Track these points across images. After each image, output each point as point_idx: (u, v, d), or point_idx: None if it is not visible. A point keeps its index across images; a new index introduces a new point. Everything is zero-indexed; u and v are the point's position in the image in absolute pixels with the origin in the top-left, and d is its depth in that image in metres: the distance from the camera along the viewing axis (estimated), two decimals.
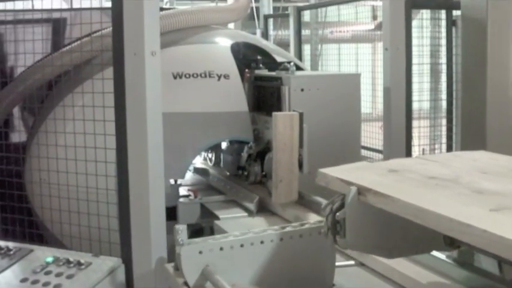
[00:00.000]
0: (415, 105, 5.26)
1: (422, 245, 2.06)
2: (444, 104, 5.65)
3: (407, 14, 4.64)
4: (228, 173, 4.33)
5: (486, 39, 3.70)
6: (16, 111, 4.27)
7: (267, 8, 9.17)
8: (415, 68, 5.08)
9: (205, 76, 4.02)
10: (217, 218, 3.59)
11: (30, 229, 3.64)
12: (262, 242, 2.25)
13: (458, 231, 1.48)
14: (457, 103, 5.32)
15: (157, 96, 2.86)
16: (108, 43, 3.06)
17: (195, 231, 3.81)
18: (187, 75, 3.98)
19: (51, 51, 3.96)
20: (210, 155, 4.69)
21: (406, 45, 4.63)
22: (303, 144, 3.38)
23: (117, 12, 2.82)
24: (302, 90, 3.84)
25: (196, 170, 4.67)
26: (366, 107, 6.44)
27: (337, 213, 1.96)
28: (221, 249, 2.20)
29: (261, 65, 4.30)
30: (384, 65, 4.74)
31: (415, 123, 5.20)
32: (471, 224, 1.44)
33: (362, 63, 7.69)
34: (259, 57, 4.37)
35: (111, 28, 2.93)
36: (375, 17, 8.81)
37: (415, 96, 5.13)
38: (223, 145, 4.37)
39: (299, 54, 7.23)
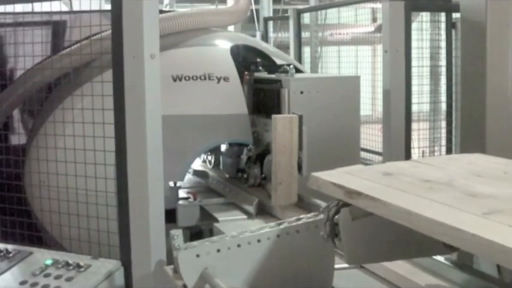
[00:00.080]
0: (415, 108, 5.26)
1: (422, 250, 2.06)
2: (444, 106, 5.65)
3: (407, 17, 4.65)
4: (227, 176, 4.33)
5: (485, 41, 3.71)
6: (16, 113, 4.27)
7: (266, 10, 9.18)
8: (414, 71, 5.09)
9: (205, 78, 4.02)
10: (216, 220, 3.59)
11: (30, 231, 3.63)
12: (259, 241, 2.24)
13: (449, 235, 1.48)
14: (456, 105, 5.33)
15: (156, 99, 2.86)
16: (107, 46, 3.05)
17: (195, 234, 3.80)
18: (187, 78, 3.98)
19: (50, 54, 3.96)
20: (209, 158, 4.69)
21: (406, 48, 4.63)
22: (302, 146, 3.38)
23: (116, 15, 2.82)
24: (301, 92, 3.84)
25: (196, 173, 4.67)
26: (365, 109, 6.45)
27: (336, 217, 1.96)
28: (218, 251, 2.20)
29: (260, 68, 4.30)
30: (383, 67, 4.75)
31: (414, 125, 5.20)
32: (461, 228, 1.44)
33: (362, 65, 7.70)
34: (258, 60, 4.37)
35: (110, 31, 2.93)
36: (374, 19, 8.83)
37: (414, 99, 5.14)
38: (223, 147, 4.37)
39: (299, 57, 7.23)
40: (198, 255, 2.18)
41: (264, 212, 3.59)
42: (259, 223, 3.42)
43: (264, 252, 2.24)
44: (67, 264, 2.84)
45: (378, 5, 7.83)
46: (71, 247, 3.45)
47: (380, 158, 5.52)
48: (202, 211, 3.83)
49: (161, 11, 4.52)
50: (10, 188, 3.69)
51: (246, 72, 4.26)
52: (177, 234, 2.29)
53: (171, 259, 2.42)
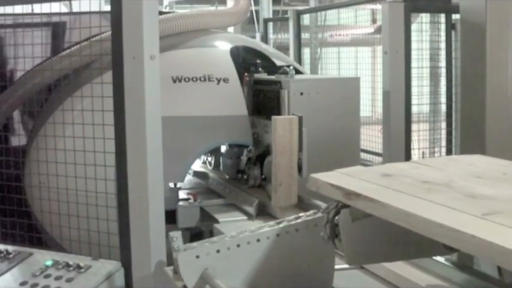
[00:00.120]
0: (415, 109, 5.27)
1: (422, 250, 2.05)
2: (444, 107, 5.65)
3: (407, 18, 4.65)
4: (227, 177, 4.33)
5: (485, 42, 3.70)
6: (16, 115, 4.27)
7: (266, 11, 9.18)
8: (414, 72, 5.09)
9: (205, 80, 4.02)
10: (216, 221, 3.59)
11: (30, 232, 3.63)
12: (258, 240, 2.24)
13: (448, 237, 1.48)
14: (456, 106, 5.33)
15: (156, 100, 2.86)
16: (107, 47, 3.06)
17: (195, 235, 3.81)
18: (187, 79, 3.98)
19: (50, 55, 3.96)
20: (209, 159, 4.69)
21: (406, 49, 4.64)
22: (302, 147, 3.38)
23: (116, 16, 2.82)
24: (301, 94, 3.84)
25: (196, 174, 4.67)
26: (365, 111, 6.45)
27: (336, 218, 1.96)
28: (218, 251, 2.20)
29: (260, 69, 4.30)
30: (383, 68, 4.75)
31: (414, 126, 5.21)
32: (460, 229, 1.44)
33: (362, 66, 7.70)
34: (258, 61, 4.37)
35: (110, 32, 2.93)
36: (374, 21, 8.83)
37: (414, 100, 5.14)
38: (223, 149, 4.37)
39: (298, 58, 7.23)
40: (197, 256, 2.18)
41: (264, 213, 3.59)
42: (259, 224, 3.42)
43: (264, 251, 2.24)
44: (67, 265, 2.85)
45: (378, 6, 7.84)
46: (71, 248, 3.45)
47: (380, 159, 5.52)
48: (203, 212, 3.83)
49: (161, 12, 4.52)
50: (10, 189, 3.69)
51: (245, 74, 4.26)
52: (176, 236, 2.29)
53: (171, 260, 2.42)
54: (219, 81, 4.06)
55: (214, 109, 4.01)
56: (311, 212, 2.38)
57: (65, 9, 5.15)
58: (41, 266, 2.87)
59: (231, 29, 6.23)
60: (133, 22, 2.80)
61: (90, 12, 3.62)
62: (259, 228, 2.30)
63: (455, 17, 5.27)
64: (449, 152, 5.50)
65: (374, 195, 1.77)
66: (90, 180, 3.26)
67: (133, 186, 2.87)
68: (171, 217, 3.62)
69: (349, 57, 7.84)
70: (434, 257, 2.28)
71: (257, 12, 9.30)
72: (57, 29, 4.15)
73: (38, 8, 3.76)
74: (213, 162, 4.62)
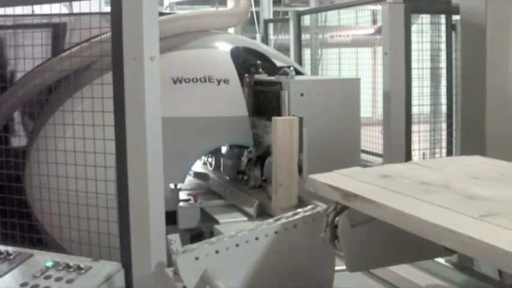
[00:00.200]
0: (415, 110, 5.26)
1: (422, 253, 2.05)
2: (444, 108, 5.65)
3: (407, 19, 4.65)
4: (228, 178, 4.33)
5: (485, 43, 3.70)
6: (16, 116, 4.27)
7: (267, 12, 9.18)
8: (415, 73, 5.09)
9: (205, 81, 4.02)
10: (217, 222, 3.59)
11: (30, 233, 3.64)
12: (257, 239, 2.23)
13: (445, 238, 1.47)
14: (457, 107, 5.33)
15: (156, 101, 2.86)
16: (107, 48, 3.06)
17: (195, 236, 3.81)
18: (187, 80, 3.98)
19: (50, 56, 3.97)
20: (210, 160, 4.69)
21: (406, 50, 4.63)
22: (302, 148, 3.38)
23: (116, 17, 2.83)
24: (302, 94, 3.84)
25: (196, 175, 4.67)
26: (366, 111, 6.45)
27: (336, 219, 1.96)
28: (217, 252, 2.19)
29: (260, 70, 4.30)
30: (383, 69, 4.75)
31: (415, 127, 5.21)
32: (457, 230, 1.43)
33: (362, 67, 7.71)
34: (258, 62, 4.37)
35: (110, 33, 2.93)
36: (375, 22, 8.83)
37: (415, 101, 5.14)
38: (223, 149, 4.37)
39: (299, 59, 7.24)
40: (197, 258, 2.18)
41: (264, 213, 3.59)
42: None
43: (263, 249, 2.23)
44: (67, 266, 2.85)
45: (378, 7, 7.84)
46: (72, 249, 3.46)
47: (381, 160, 5.52)
48: (203, 213, 3.83)
49: (161, 13, 4.53)
50: (10, 190, 3.69)
51: (246, 75, 4.26)
52: (174, 239, 2.29)
53: (171, 261, 2.42)
54: (219, 82, 4.06)
55: (214, 110, 4.01)
56: (309, 207, 2.36)
57: (65, 10, 5.15)
58: (41, 267, 2.86)
59: (231, 30, 6.23)
60: (134, 23, 2.80)
61: (90, 13, 3.62)
62: (257, 226, 2.29)
63: (456, 17, 5.27)
64: (449, 152, 5.50)
65: (371, 196, 1.77)
66: (90, 181, 3.26)
67: (134, 187, 2.87)
68: (171, 218, 3.62)
69: (350, 58, 7.85)
70: (434, 258, 2.28)
71: (257, 13, 9.30)
72: (57, 30, 4.16)
73: (38, 9, 3.77)
74: (213, 163, 4.62)
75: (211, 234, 3.57)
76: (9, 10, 3.92)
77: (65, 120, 3.63)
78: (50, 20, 4.13)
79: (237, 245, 2.21)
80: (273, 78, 4.09)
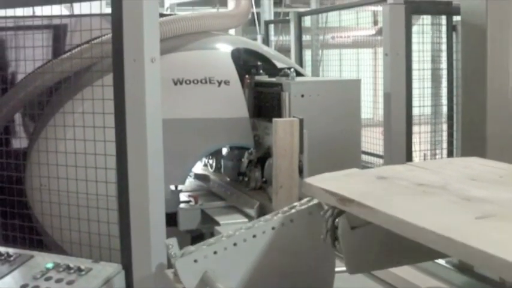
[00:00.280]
0: (416, 111, 5.26)
1: (424, 254, 2.05)
2: (445, 109, 5.65)
3: (407, 20, 4.65)
4: (228, 179, 4.34)
5: (486, 44, 3.70)
6: (17, 117, 4.28)
7: (267, 13, 9.17)
8: (415, 74, 5.09)
9: (206, 82, 4.03)
10: (217, 223, 3.59)
11: (31, 235, 3.64)
12: (254, 236, 2.21)
13: (440, 244, 1.47)
14: (457, 108, 5.33)
15: (157, 103, 2.86)
16: (108, 49, 3.06)
17: (196, 237, 3.81)
18: (188, 81, 3.99)
19: (51, 58, 3.97)
20: (210, 161, 4.70)
21: (406, 51, 4.64)
22: (303, 150, 3.39)
23: (116, 18, 2.82)
24: (302, 96, 3.84)
25: (197, 176, 4.67)
26: (367, 112, 6.45)
27: (336, 220, 1.96)
28: (215, 253, 2.19)
29: (261, 71, 4.31)
30: (384, 70, 4.75)
31: (416, 128, 5.21)
32: (451, 237, 1.43)
33: (363, 68, 7.70)
34: (259, 63, 4.38)
35: (110, 34, 2.93)
36: (375, 22, 8.82)
37: (416, 102, 5.14)
38: (224, 151, 4.37)
39: (300, 60, 7.24)
40: (195, 261, 2.17)
41: (265, 215, 3.58)
42: None
43: (261, 247, 2.21)
44: (68, 267, 2.84)
45: (379, 8, 7.84)
46: (72, 250, 3.46)
47: (381, 161, 5.52)
48: (203, 214, 3.84)
49: (162, 15, 4.53)
50: (11, 192, 3.69)
51: (246, 76, 4.27)
52: (172, 243, 2.27)
53: (171, 262, 2.42)
54: (220, 83, 4.06)
55: (215, 111, 4.01)
56: (305, 200, 2.35)
57: (65, 12, 5.15)
58: (41, 268, 2.86)
59: (232, 31, 6.23)
60: (134, 24, 2.80)
61: (91, 15, 3.63)
62: (254, 223, 2.28)
63: (457, 18, 5.27)
64: (450, 154, 5.50)
65: (367, 200, 1.75)
66: (91, 182, 3.26)
67: (134, 189, 2.87)
68: (172, 219, 3.62)
69: (351, 59, 7.84)
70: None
71: (258, 14, 9.30)
72: (58, 32, 4.16)
73: (39, 10, 3.77)
74: (214, 164, 4.62)
75: (212, 235, 3.56)
76: (9, 11, 3.93)
77: (66, 121, 3.64)
78: (50, 21, 4.13)
79: (234, 244, 2.20)
80: (273, 79, 4.09)
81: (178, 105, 3.89)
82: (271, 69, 4.40)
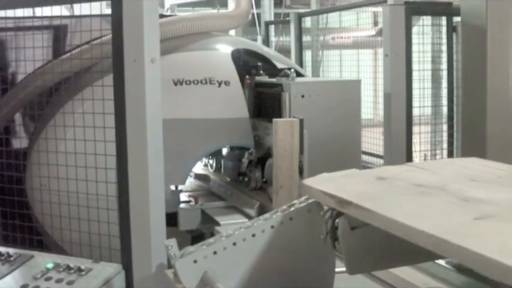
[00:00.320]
0: (416, 111, 5.27)
1: (424, 255, 2.04)
2: (445, 109, 5.65)
3: (408, 21, 4.66)
4: (228, 179, 4.34)
5: (486, 45, 3.71)
6: (17, 117, 4.28)
7: (268, 14, 9.17)
8: (416, 74, 5.10)
9: (206, 82, 4.03)
10: (218, 224, 3.60)
11: (31, 235, 3.64)
12: (253, 235, 2.20)
13: (438, 246, 1.46)
14: (458, 109, 5.33)
15: (157, 103, 2.86)
16: (108, 50, 3.06)
17: (196, 237, 3.81)
18: (188, 82, 3.99)
19: (51, 58, 3.97)
20: (210, 161, 4.70)
21: (406, 52, 4.64)
22: (303, 150, 3.38)
23: (116, 19, 2.83)
24: (302, 96, 3.85)
25: (197, 176, 4.67)
26: (367, 113, 6.45)
27: (336, 221, 1.96)
28: (215, 253, 2.18)
29: (261, 72, 4.31)
30: (384, 71, 4.76)
31: (416, 128, 5.21)
32: (448, 239, 1.42)
33: (363, 69, 7.70)
34: (259, 64, 4.38)
35: (111, 35, 2.93)
36: (376, 23, 8.81)
37: (416, 102, 5.15)
38: (224, 151, 4.38)
39: (300, 61, 7.24)
40: (195, 261, 2.17)
41: None
42: None
43: (261, 246, 2.20)
44: (68, 267, 2.85)
45: (380, 9, 7.83)
46: (72, 251, 3.46)
47: (382, 162, 5.52)
48: (204, 215, 3.84)
49: (163, 15, 4.53)
50: (11, 192, 3.69)
51: (247, 76, 4.27)
52: (171, 244, 2.27)
53: (171, 263, 2.42)
54: (220, 84, 4.06)
55: (215, 112, 4.01)
56: (303, 197, 2.34)
57: (66, 12, 5.16)
58: (42, 268, 2.87)
59: (232, 32, 6.23)
60: (134, 25, 2.80)
61: (91, 16, 3.63)
62: (254, 222, 2.28)
63: (457, 19, 5.27)
64: (450, 154, 5.51)
65: (365, 202, 1.75)
66: (91, 182, 3.26)
67: (134, 189, 2.87)
68: (172, 220, 3.62)
69: (351, 59, 7.84)
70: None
71: (258, 15, 9.30)
72: (58, 32, 4.17)
73: (39, 11, 3.77)
74: (214, 164, 4.62)
75: (212, 235, 3.55)
76: (10, 12, 3.93)
77: (66, 122, 3.64)
78: (50, 22, 4.14)
79: (234, 244, 2.19)
80: (273, 80, 4.09)
81: (178, 105, 3.89)
82: (272, 69, 4.41)
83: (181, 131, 3.86)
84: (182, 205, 3.89)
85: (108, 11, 2.98)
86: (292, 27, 7.35)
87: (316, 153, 3.55)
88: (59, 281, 2.77)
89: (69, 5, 4.69)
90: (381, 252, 1.97)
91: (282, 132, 3.28)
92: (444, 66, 5.57)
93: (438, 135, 5.82)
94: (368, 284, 2.42)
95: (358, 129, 4.11)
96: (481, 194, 1.75)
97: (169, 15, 4.97)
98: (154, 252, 2.84)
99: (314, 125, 3.62)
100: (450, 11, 5.23)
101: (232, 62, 4.24)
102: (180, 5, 11.49)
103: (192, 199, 3.97)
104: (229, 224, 3.56)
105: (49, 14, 3.96)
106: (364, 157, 5.80)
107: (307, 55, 7.72)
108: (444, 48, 5.57)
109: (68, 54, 3.84)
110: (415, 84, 5.04)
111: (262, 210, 3.61)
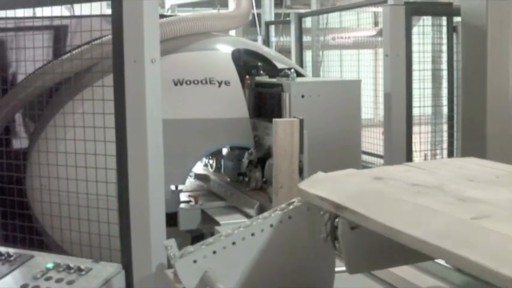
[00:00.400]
0: (417, 111, 5.27)
1: (423, 254, 2.04)
2: (445, 109, 5.65)
3: (408, 21, 4.66)
4: (228, 179, 4.34)
5: (486, 45, 3.71)
6: (17, 117, 4.28)
7: (268, 14, 9.18)
8: (416, 74, 5.10)
9: (206, 83, 4.03)
10: (218, 223, 3.60)
11: (31, 235, 3.64)
12: (253, 235, 2.20)
13: (430, 251, 1.46)
14: (458, 109, 5.33)
15: (157, 103, 2.86)
16: (108, 50, 3.06)
17: (196, 237, 3.81)
18: (188, 82, 3.99)
19: (52, 59, 3.97)
20: (210, 161, 4.70)
21: (407, 52, 4.64)
22: (303, 150, 3.39)
23: (117, 19, 2.83)
24: (302, 96, 3.85)
25: (197, 176, 4.67)
26: (367, 113, 6.45)
27: (336, 220, 1.96)
28: (214, 252, 2.19)
29: (261, 72, 4.31)
30: (384, 71, 4.76)
31: (416, 128, 5.21)
32: (441, 245, 1.42)
33: (364, 69, 7.70)
34: (259, 64, 4.38)
35: (111, 35, 2.93)
36: (376, 23, 8.81)
37: (416, 102, 5.15)
38: (224, 151, 4.38)
39: (300, 61, 7.24)
40: (195, 261, 2.17)
41: None
42: None
43: (260, 245, 2.19)
44: (68, 267, 2.85)
45: (380, 9, 7.84)
46: (72, 250, 3.46)
47: (382, 162, 5.52)
48: (204, 214, 3.84)
49: (163, 16, 4.54)
50: (11, 192, 3.69)
51: (247, 76, 4.27)
52: (170, 244, 2.27)
53: (171, 262, 2.42)
54: (220, 84, 4.07)
55: (215, 112, 4.02)
56: None
57: (66, 13, 5.16)
58: (42, 268, 2.87)
59: (232, 32, 6.24)
60: (134, 25, 2.80)
61: (91, 16, 3.64)
62: (253, 221, 2.28)
63: (457, 19, 5.28)
64: (450, 154, 5.51)
65: (360, 205, 1.75)
66: (91, 182, 3.26)
67: (134, 189, 2.87)
68: (172, 219, 3.63)
69: (351, 59, 7.84)
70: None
71: (259, 15, 9.30)
72: (58, 33, 4.17)
73: (39, 11, 3.78)
74: (214, 164, 4.63)
75: (212, 235, 3.56)
76: (10, 12, 3.93)
77: (66, 122, 3.64)
78: (51, 22, 4.14)
79: (233, 243, 2.19)
80: (274, 80, 4.10)
81: (178, 105, 3.89)
82: (272, 69, 4.41)
83: (182, 131, 3.86)
84: (182, 205, 3.89)
85: (108, 11, 2.98)
86: (293, 27, 7.35)
87: (316, 153, 3.55)
88: (59, 280, 2.77)
89: (69, 5, 4.69)
90: (380, 252, 1.97)
91: (282, 132, 3.28)
92: (444, 66, 5.57)
93: (438, 135, 5.83)
94: (368, 283, 2.42)
95: (358, 129, 4.11)
96: (478, 194, 1.74)
97: (170, 16, 4.97)
98: (154, 252, 2.84)
99: (314, 125, 3.62)
100: (450, 11, 5.23)
101: (233, 62, 4.25)
102: (180, 5, 11.49)
103: (192, 199, 3.97)
104: (229, 224, 3.56)
105: (49, 14, 3.96)
106: (364, 157, 5.80)
107: (308, 55, 7.72)
108: (444, 48, 5.57)
109: (68, 55, 3.85)
110: (415, 84, 5.04)
111: (262, 210, 3.61)
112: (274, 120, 3.35)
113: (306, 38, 7.62)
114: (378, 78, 6.98)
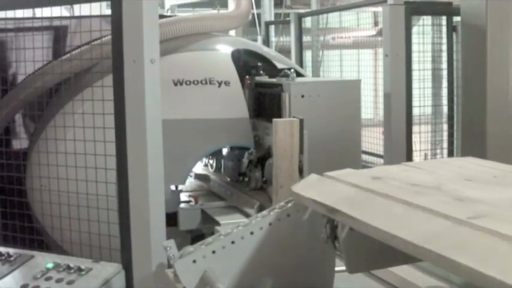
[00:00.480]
0: (417, 111, 5.26)
1: None
2: (445, 109, 5.65)
3: (407, 21, 4.66)
4: (228, 179, 4.34)
5: (486, 44, 3.71)
6: (17, 118, 4.28)
7: (268, 14, 9.18)
8: (416, 74, 5.09)
9: (206, 83, 4.03)
10: (218, 223, 3.60)
11: (31, 235, 3.64)
12: (252, 233, 2.19)
13: (420, 255, 1.46)
14: (458, 108, 5.33)
15: (156, 103, 2.86)
16: (107, 51, 3.06)
17: (196, 237, 3.81)
18: (188, 82, 3.99)
19: (51, 59, 3.98)
20: (210, 161, 4.71)
21: (406, 52, 4.64)
22: (303, 150, 3.39)
23: (116, 19, 2.83)
24: (302, 96, 3.85)
25: (197, 176, 4.68)
26: (367, 113, 6.45)
27: (335, 220, 1.96)
28: (213, 252, 2.19)
29: (261, 72, 4.31)
30: (384, 71, 4.75)
31: (416, 128, 5.20)
32: (431, 248, 1.41)
33: (363, 69, 7.70)
34: (259, 64, 4.38)
35: (110, 36, 2.93)
36: (376, 23, 8.82)
37: (416, 102, 5.14)
38: (224, 151, 4.38)
39: (300, 61, 7.24)
40: (194, 261, 2.17)
41: None
42: None
43: (259, 243, 2.19)
44: (68, 267, 2.85)
45: (380, 9, 7.83)
46: (72, 250, 3.46)
47: (382, 161, 5.52)
48: (204, 214, 3.84)
49: (163, 16, 4.54)
50: (11, 192, 3.69)
51: (247, 77, 4.27)
52: (170, 245, 2.27)
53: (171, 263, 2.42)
54: (220, 84, 4.07)
55: (215, 112, 4.02)
56: None
57: (66, 13, 5.16)
58: (42, 268, 2.87)
59: (232, 32, 6.24)
60: (134, 25, 2.80)
61: (91, 16, 3.64)
62: (251, 219, 2.28)
63: (457, 19, 5.27)
64: (450, 153, 5.50)
65: (352, 207, 1.74)
66: (91, 183, 3.26)
67: (134, 189, 2.87)
68: (172, 219, 3.63)
69: (351, 59, 7.84)
70: None
71: (259, 15, 9.30)
72: (58, 33, 4.17)
73: (39, 11, 3.78)
74: (214, 164, 4.63)
75: (212, 235, 3.57)
76: (10, 13, 3.94)
77: (66, 122, 3.64)
78: (51, 22, 4.14)
79: (232, 242, 2.19)
80: (273, 80, 4.10)
81: (178, 105, 3.90)
82: (272, 70, 4.41)
83: (182, 131, 3.87)
84: (182, 205, 3.89)
85: (108, 11, 2.98)
86: (293, 27, 7.35)
87: (316, 153, 3.55)
88: (59, 280, 2.77)
89: (69, 6, 4.69)
90: (380, 252, 1.97)
91: (282, 132, 3.28)
92: (444, 65, 5.57)
93: (438, 134, 5.82)
94: (368, 283, 2.42)
95: (358, 129, 4.11)
96: (476, 194, 1.74)
97: (170, 16, 4.97)
98: (154, 252, 2.84)
99: (314, 125, 3.62)
100: (450, 11, 5.22)
101: (232, 62, 4.25)
102: (180, 6, 11.49)
103: (192, 199, 3.97)
104: (230, 223, 3.56)
105: (49, 15, 3.96)
106: (364, 157, 5.80)
107: (308, 55, 7.72)
108: (444, 48, 5.57)
109: (68, 55, 3.85)
110: (415, 84, 5.03)
111: (262, 210, 3.61)
112: (274, 120, 3.35)
113: (306, 38, 7.62)
114: (377, 78, 6.98)
